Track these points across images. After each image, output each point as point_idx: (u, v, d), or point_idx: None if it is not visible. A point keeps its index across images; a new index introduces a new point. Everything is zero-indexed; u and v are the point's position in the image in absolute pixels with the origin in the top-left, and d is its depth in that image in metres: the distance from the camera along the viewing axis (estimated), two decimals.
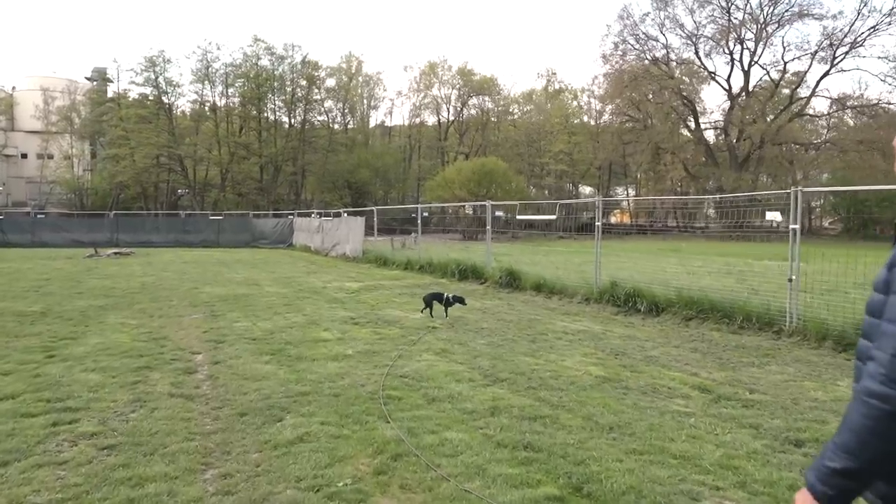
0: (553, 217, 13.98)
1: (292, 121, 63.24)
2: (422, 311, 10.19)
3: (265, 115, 62.47)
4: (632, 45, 60.03)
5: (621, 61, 60.54)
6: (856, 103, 54.15)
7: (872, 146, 47.74)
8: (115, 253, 25.67)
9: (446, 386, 5.94)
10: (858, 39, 51.54)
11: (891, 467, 1.35)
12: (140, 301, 11.89)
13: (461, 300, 10.01)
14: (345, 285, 15.01)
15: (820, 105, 66.48)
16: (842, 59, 52.91)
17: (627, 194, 74.36)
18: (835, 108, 55.79)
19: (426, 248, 20.95)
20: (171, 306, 11.27)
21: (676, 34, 60.34)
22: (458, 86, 75.87)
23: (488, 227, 15.46)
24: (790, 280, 8.42)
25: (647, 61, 59.54)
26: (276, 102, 62.43)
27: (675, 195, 55.91)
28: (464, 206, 43.64)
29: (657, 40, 59.73)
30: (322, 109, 67.51)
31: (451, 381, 6.13)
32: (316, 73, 63.37)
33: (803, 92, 56.58)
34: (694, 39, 57.52)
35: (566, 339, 8.38)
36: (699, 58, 58.68)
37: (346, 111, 72.20)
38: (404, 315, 10.47)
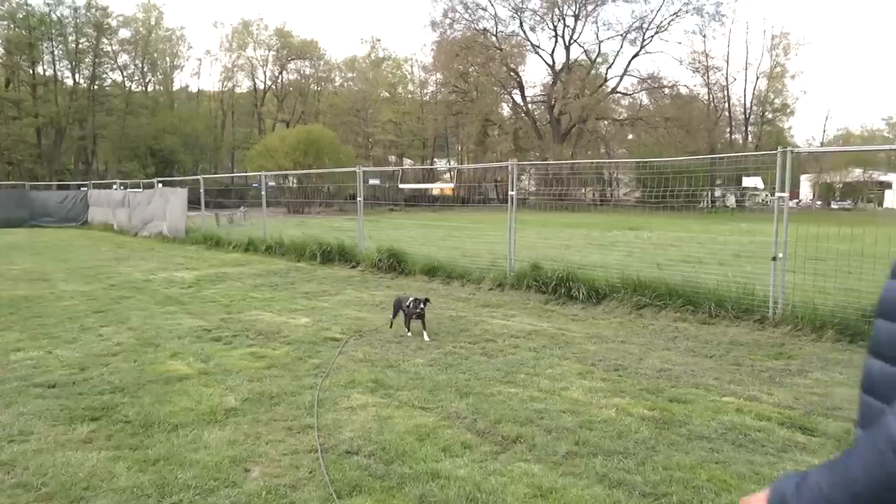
0: (451, 185, 11.72)
1: (77, 76, 53.57)
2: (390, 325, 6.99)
3: (42, 67, 52.15)
4: (461, 14, 59.22)
5: (450, 30, 59.58)
6: (660, 84, 58.55)
7: (678, 123, 51.99)
8: None
9: (440, 469, 3.44)
10: (663, 24, 55.64)
11: None
12: None
13: (424, 302, 6.63)
14: (175, 276, 11.46)
15: (630, 84, 71.34)
16: (649, 42, 56.86)
17: (448, 165, 74.45)
18: (643, 87, 59.92)
19: (258, 224, 17.54)
20: None
21: (503, 6, 60.66)
22: (275, 47, 70.16)
23: (360, 199, 12.72)
24: (774, 259, 7.04)
25: (474, 30, 59.18)
26: (56, 53, 52.33)
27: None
28: (288, 177, 39.55)
29: (486, 10, 59.56)
30: (115, 65, 58.18)
31: (439, 454, 3.65)
32: (106, 21, 54.06)
33: (616, 71, 60.14)
34: (520, 13, 58.18)
35: (527, 348, 6.22)
36: (524, 31, 59.62)
37: (145, 69, 63.09)
38: (280, 319, 7.60)
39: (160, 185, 21.27)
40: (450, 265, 10.94)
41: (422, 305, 6.42)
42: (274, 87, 70.91)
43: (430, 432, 3.98)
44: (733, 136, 62.48)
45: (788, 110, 66.34)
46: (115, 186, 26.28)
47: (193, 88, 73.18)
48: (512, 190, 9.63)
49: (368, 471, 3.42)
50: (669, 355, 5.98)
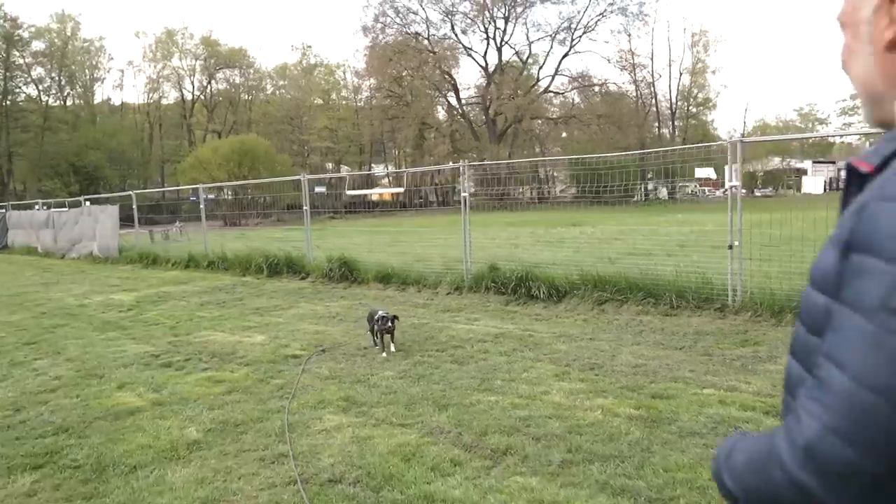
0: (401, 190, 11.48)
1: None
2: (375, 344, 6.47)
3: None
4: (392, 18, 58.93)
5: (382, 35, 59.20)
6: (590, 82, 59.90)
7: (609, 120, 53.28)
8: None
9: (433, 491, 3.22)
10: (590, 24, 56.96)
11: None
12: None
13: (392, 320, 6.23)
14: (113, 298, 10.76)
15: (562, 83, 72.68)
16: (578, 42, 58.08)
17: (388, 171, 73.95)
18: (574, 86, 61.13)
19: (195, 238, 16.74)
20: None
21: (434, 9, 60.65)
22: (202, 56, 68.09)
23: (306, 208, 12.29)
24: (731, 247, 7.13)
25: (406, 34, 59.00)
26: None
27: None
28: (223, 188, 38.20)
29: (417, 14, 59.45)
30: (29, 79, 55.10)
31: (429, 474, 3.43)
32: (16, 33, 51.09)
33: (548, 71, 61.14)
34: (451, 16, 58.37)
35: (497, 352, 6.06)
36: (456, 34, 59.83)
37: (62, 82, 59.96)
38: (234, 338, 7.18)
39: (88, 203, 20.11)
40: (404, 271, 10.69)
41: (389, 323, 6.14)
42: (203, 97, 68.80)
43: (415, 451, 3.75)
44: (661, 131, 64.51)
45: (711, 104, 68.98)
46: (36, 207, 24.76)
47: (116, 101, 70.31)
48: (465, 191, 9.47)
49: (357, 500, 3.16)
50: (640, 350, 5.94)
